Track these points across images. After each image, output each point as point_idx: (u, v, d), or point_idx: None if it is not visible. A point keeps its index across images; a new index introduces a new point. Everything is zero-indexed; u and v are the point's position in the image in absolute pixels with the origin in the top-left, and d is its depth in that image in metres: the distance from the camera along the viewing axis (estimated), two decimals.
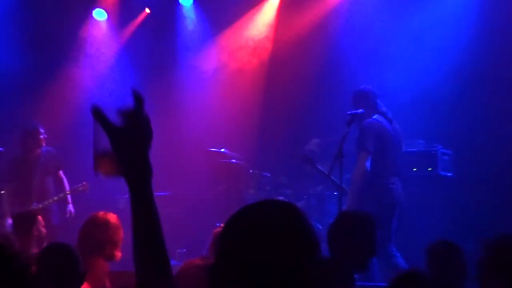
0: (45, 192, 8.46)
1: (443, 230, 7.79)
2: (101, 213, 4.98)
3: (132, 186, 1.96)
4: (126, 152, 1.88)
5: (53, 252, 3.87)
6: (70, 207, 8.52)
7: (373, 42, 9.04)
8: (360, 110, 6.86)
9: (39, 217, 5.94)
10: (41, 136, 8.40)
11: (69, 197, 8.60)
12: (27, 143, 8.42)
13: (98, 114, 1.89)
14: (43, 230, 5.87)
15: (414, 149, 8.32)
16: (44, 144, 8.50)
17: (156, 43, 10.42)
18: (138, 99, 1.88)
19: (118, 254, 4.89)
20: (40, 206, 8.20)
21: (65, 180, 8.64)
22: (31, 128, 8.43)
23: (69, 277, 3.74)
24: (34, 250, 5.58)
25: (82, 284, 3.88)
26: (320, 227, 8.47)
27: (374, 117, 7.05)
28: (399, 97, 8.50)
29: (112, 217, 4.95)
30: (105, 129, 1.88)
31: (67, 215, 8.51)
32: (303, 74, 9.63)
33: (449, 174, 8.33)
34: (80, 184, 8.45)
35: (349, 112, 6.85)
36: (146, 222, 1.88)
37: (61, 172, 8.64)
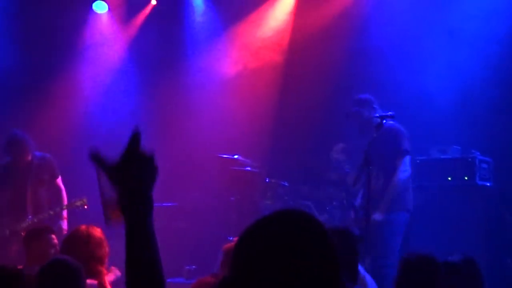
0: (40, 203, 7.91)
1: (480, 244, 7.61)
2: (83, 226, 4.91)
3: (130, 220, 1.99)
4: (123, 187, 1.97)
5: (53, 268, 3.86)
6: (63, 224, 7.88)
7: (405, 36, 8.65)
8: (390, 112, 6.54)
9: (53, 235, 5.72)
10: (26, 142, 7.75)
11: (65, 212, 7.95)
12: (13, 152, 7.88)
13: (95, 157, 2.01)
14: (54, 248, 5.62)
15: (448, 156, 8.08)
16: (32, 150, 7.91)
17: (162, 38, 10.07)
18: (135, 137, 2.08)
19: (103, 271, 4.82)
20: (35, 220, 7.70)
21: (63, 191, 8.08)
22: (13, 136, 7.87)
23: None
24: None
25: None
26: None
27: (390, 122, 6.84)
28: (432, 99, 8.30)
29: (95, 231, 4.82)
30: (104, 169, 2.01)
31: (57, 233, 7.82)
32: (325, 71, 9.19)
33: (487, 184, 7.99)
34: (78, 199, 7.81)
35: (378, 115, 6.59)
36: (141, 256, 1.93)
37: (58, 181, 8.08)
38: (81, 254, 4.54)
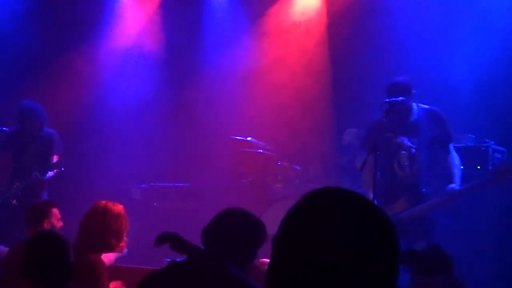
0: (32, 173, 8.07)
1: (491, 236, 7.62)
2: (102, 202, 5.04)
3: None
4: None
5: (40, 239, 3.86)
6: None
7: (426, 24, 8.63)
8: (400, 98, 6.43)
9: (55, 209, 5.82)
10: (39, 115, 7.93)
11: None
12: (25, 123, 8.11)
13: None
14: (58, 223, 5.79)
15: (461, 145, 7.88)
16: (44, 125, 8.12)
17: (182, 19, 10.08)
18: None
19: (122, 245, 4.97)
20: (18, 187, 7.97)
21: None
22: (27, 106, 8.09)
23: (56, 267, 3.70)
24: None
25: (71, 276, 3.81)
26: None
27: (426, 106, 6.74)
28: (449, 88, 8.23)
29: (114, 206, 4.99)
30: None
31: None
32: (345, 55, 9.25)
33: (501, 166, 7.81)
34: (56, 162, 7.99)
35: (387, 100, 6.38)
36: None
37: (55, 158, 8.26)
38: (99, 229, 4.79)
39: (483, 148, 7.83)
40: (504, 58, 8.12)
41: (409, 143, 6.51)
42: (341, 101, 9.12)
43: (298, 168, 8.67)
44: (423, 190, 6.45)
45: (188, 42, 9.98)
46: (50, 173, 8.04)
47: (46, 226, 5.59)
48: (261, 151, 8.77)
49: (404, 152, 6.48)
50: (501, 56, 8.11)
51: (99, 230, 4.81)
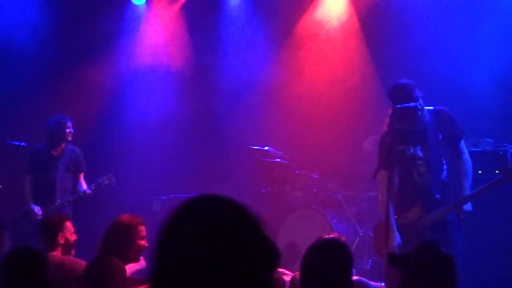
0: (67, 188, 8.36)
1: (507, 239, 7.57)
2: (124, 215, 5.19)
3: None
4: None
5: (16, 256, 3.88)
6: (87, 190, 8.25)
7: (443, 26, 8.68)
8: (412, 104, 6.18)
9: (68, 223, 5.85)
10: (68, 130, 8.12)
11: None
12: (53, 136, 8.31)
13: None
14: (72, 237, 5.82)
15: (479, 149, 7.92)
16: (70, 139, 8.26)
17: (199, 31, 10.18)
18: None
19: (141, 258, 5.15)
20: (65, 202, 8.17)
21: (84, 184, 8.43)
22: (58, 119, 8.28)
23: (34, 285, 3.74)
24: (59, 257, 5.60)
25: None
26: (372, 235, 8.06)
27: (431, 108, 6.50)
28: (466, 91, 8.27)
29: (135, 219, 5.15)
30: None
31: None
32: (365, 63, 9.38)
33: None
34: (104, 177, 8.09)
35: (399, 106, 6.12)
36: None
37: (81, 176, 8.48)
38: (118, 239, 4.93)
39: (501, 152, 7.79)
40: None
41: (421, 153, 6.34)
42: (362, 109, 9.15)
43: (316, 176, 8.71)
44: (437, 196, 6.27)
45: (207, 54, 10.05)
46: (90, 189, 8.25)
47: (61, 240, 5.66)
48: (279, 160, 8.85)
49: (420, 161, 6.38)
50: None
51: (120, 242, 4.93)
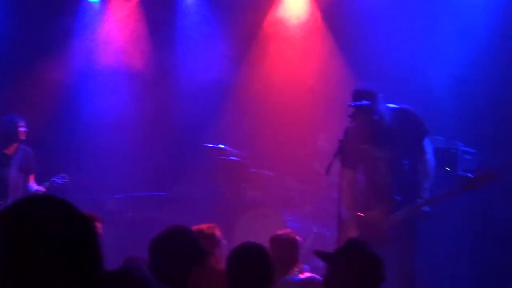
0: (19, 188, 8.25)
1: (462, 236, 7.66)
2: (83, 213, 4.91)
3: None
4: None
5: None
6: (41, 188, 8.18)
7: (401, 21, 8.73)
8: (365, 102, 6.20)
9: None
10: (21, 129, 8.02)
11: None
12: (6, 135, 8.25)
13: None
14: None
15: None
16: (23, 138, 8.15)
17: (154, 29, 10.15)
18: None
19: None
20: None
21: (35, 184, 8.37)
22: (11, 118, 8.22)
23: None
24: None
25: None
26: (327, 233, 8.16)
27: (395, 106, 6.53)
28: (420, 90, 8.27)
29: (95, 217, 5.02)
30: None
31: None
32: (313, 57, 9.44)
33: (470, 176, 7.82)
34: (58, 177, 8.02)
35: (352, 104, 6.20)
36: None
37: (31, 177, 8.42)
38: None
39: (452, 150, 7.86)
40: (477, 61, 8.24)
41: (383, 153, 6.37)
42: (318, 107, 9.20)
43: (271, 174, 8.76)
44: (397, 197, 6.30)
45: (164, 52, 10.05)
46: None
47: None
48: (235, 158, 8.88)
49: (380, 162, 6.40)
50: (474, 59, 8.25)
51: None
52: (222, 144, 8.90)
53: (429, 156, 6.37)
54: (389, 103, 6.44)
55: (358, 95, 6.26)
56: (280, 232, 5.72)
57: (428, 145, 6.40)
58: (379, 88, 6.47)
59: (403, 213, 6.21)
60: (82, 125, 9.76)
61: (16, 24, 9.73)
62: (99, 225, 5.19)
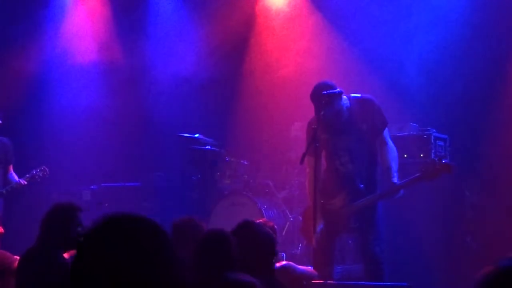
0: (2, 180, 8.13)
1: (437, 222, 7.75)
2: (62, 203, 5.14)
3: None
4: None
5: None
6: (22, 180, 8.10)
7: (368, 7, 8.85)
8: (338, 89, 6.28)
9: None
10: None
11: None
12: None
13: None
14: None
15: (404, 133, 8.10)
16: None
17: (124, 15, 10.12)
18: None
19: None
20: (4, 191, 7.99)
21: (15, 175, 8.28)
22: None
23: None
24: None
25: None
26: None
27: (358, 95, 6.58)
28: (392, 77, 8.36)
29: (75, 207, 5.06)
30: None
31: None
32: (293, 50, 9.46)
33: (443, 161, 7.98)
34: (38, 169, 7.98)
35: (325, 92, 6.20)
36: None
37: (10, 167, 8.28)
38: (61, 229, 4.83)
39: (425, 136, 7.98)
40: (447, 49, 8.35)
41: (344, 143, 6.42)
42: (292, 97, 9.23)
43: (246, 163, 8.80)
44: (361, 186, 6.35)
45: (136, 43, 10.02)
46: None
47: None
48: (209, 147, 8.90)
49: (342, 152, 6.48)
50: (444, 47, 8.36)
51: (58, 230, 4.85)
52: (197, 134, 8.91)
53: (390, 144, 6.41)
54: (355, 93, 6.51)
55: (319, 89, 6.27)
56: (256, 221, 5.76)
57: (387, 136, 6.43)
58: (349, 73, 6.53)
59: (369, 200, 6.28)
60: (56, 117, 9.71)
61: None
62: (78, 215, 5.19)
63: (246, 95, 9.56)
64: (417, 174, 6.20)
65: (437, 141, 8.08)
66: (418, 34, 8.56)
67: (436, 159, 6.52)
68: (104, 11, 10.15)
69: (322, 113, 6.11)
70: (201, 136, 8.90)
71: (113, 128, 9.67)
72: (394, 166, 6.31)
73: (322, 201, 6.37)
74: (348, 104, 6.33)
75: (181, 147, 9.06)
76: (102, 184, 9.26)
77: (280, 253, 5.71)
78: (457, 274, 7.42)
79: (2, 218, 7.87)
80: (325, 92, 6.18)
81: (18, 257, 4.98)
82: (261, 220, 5.72)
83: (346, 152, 6.38)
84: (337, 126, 6.37)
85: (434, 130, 8.06)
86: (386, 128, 6.44)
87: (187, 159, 9.03)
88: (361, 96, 6.48)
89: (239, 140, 9.30)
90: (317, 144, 6.09)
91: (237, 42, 9.77)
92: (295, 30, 9.58)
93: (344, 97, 6.32)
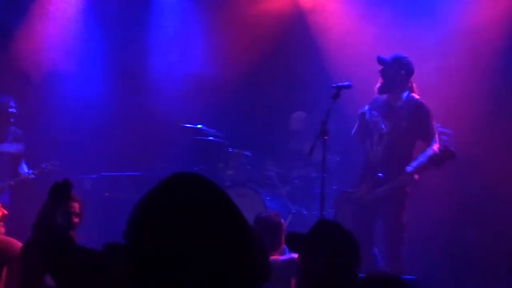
0: (10, 170, 8.20)
1: (441, 215, 7.80)
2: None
3: None
4: None
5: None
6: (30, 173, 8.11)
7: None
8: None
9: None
10: (11, 110, 7.90)
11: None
12: None
13: None
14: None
15: None
16: (12, 120, 8.14)
17: (133, 10, 10.08)
18: None
19: None
20: (6, 186, 8.03)
21: (25, 167, 8.35)
22: (1, 99, 7.98)
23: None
24: None
25: None
26: (305, 212, 8.19)
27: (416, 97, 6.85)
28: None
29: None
30: None
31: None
32: (291, 39, 9.42)
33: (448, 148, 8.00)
34: (48, 163, 7.92)
35: (334, 85, 6.47)
36: None
37: (22, 159, 8.27)
38: None
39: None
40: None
41: (382, 125, 6.66)
42: (295, 88, 9.22)
43: (249, 154, 8.74)
44: (380, 174, 6.57)
45: (140, 36, 9.97)
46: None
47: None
48: (212, 138, 8.84)
49: (376, 134, 6.67)
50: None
51: None
52: (200, 124, 8.85)
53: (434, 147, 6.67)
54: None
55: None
56: (265, 213, 5.76)
57: (435, 141, 6.73)
58: None
59: (381, 191, 6.53)
60: (57, 105, 9.63)
61: None
62: (77, 206, 5.14)
63: (246, 86, 9.49)
64: (423, 159, 6.48)
65: (442, 136, 8.04)
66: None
67: (441, 147, 6.72)
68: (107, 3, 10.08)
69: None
70: (204, 127, 8.86)
71: (115, 118, 9.60)
72: (419, 158, 6.55)
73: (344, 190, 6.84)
74: (406, 96, 6.66)
75: (183, 137, 9.00)
76: (102, 174, 9.19)
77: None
78: (461, 270, 7.43)
79: (9, 208, 7.82)
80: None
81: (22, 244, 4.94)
82: (270, 214, 5.70)
83: (377, 135, 6.65)
84: (386, 112, 6.65)
85: (438, 125, 8.00)
86: (435, 136, 6.73)
87: (190, 150, 8.97)
88: (419, 99, 6.75)
89: (242, 131, 9.25)
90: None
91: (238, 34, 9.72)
92: (294, 29, 9.52)
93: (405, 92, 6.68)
